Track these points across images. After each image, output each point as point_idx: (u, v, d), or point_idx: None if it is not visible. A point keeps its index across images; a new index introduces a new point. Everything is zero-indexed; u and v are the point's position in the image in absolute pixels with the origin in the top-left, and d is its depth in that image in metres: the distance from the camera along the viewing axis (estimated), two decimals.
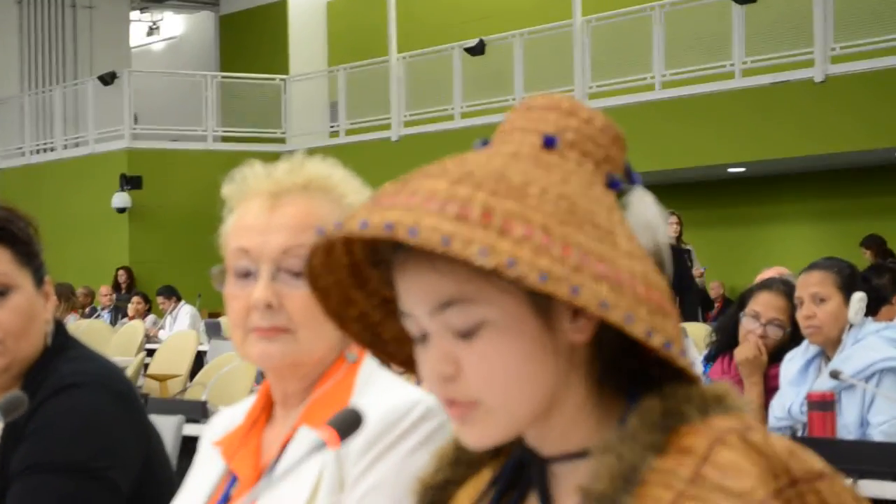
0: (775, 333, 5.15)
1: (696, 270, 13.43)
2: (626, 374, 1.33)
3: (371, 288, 1.41)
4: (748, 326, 5.20)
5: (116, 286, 19.16)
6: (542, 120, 1.36)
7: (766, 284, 5.33)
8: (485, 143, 1.39)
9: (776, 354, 5.15)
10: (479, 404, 1.30)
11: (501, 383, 1.29)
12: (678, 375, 1.31)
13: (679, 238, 13.50)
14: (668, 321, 1.27)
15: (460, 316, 1.28)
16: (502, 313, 1.28)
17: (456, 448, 1.45)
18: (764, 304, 5.19)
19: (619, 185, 1.35)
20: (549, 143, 1.34)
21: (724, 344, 5.34)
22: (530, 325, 1.29)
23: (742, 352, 5.15)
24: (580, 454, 1.33)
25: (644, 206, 1.35)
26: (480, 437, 1.32)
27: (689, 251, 13.63)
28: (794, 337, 5.10)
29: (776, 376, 5.11)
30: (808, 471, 1.26)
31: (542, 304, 1.28)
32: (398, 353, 1.45)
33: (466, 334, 1.29)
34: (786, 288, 5.21)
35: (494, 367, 1.28)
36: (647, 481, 1.26)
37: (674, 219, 13.42)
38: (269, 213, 1.98)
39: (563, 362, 1.31)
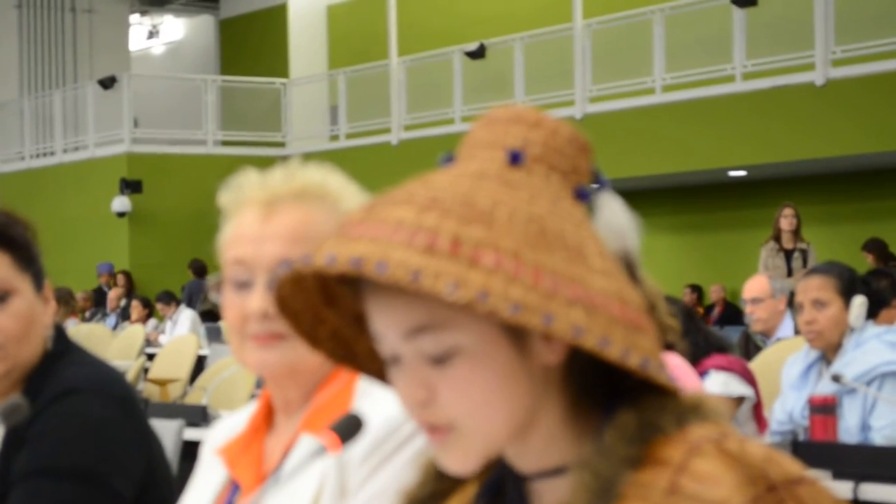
0: None
1: (802, 272, 11.86)
2: (602, 386, 1.33)
3: (342, 305, 1.41)
4: None
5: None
6: (507, 134, 1.35)
7: None
8: (449, 159, 1.37)
9: None
10: (456, 429, 1.29)
11: (476, 408, 1.28)
12: (655, 384, 1.30)
13: (796, 233, 12.44)
14: (645, 337, 1.27)
15: (432, 342, 1.27)
16: (475, 339, 1.27)
17: None
18: None
19: (587, 196, 1.34)
20: (514, 159, 1.33)
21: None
22: (503, 350, 1.28)
23: None
24: (559, 471, 1.33)
25: (612, 211, 1.34)
26: (460, 462, 1.32)
27: (804, 251, 12.39)
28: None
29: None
30: (786, 476, 1.25)
31: (515, 329, 1.27)
32: (373, 367, 1.44)
33: (439, 360, 1.28)
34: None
35: (468, 393, 1.28)
36: (624, 495, 1.26)
37: (789, 211, 12.42)
38: (264, 222, 1.97)
39: (537, 384, 1.30)
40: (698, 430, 1.28)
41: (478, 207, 1.25)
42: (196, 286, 18.11)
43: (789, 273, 12.06)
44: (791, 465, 1.27)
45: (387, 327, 1.30)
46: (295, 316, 1.40)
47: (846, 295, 4.87)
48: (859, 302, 4.84)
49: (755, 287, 6.89)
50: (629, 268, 1.34)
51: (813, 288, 4.93)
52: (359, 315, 1.39)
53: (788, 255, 12.36)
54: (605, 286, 1.26)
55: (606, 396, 1.33)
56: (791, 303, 5.73)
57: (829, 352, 4.93)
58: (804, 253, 12.36)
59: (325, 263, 1.24)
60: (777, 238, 12.43)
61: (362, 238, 1.24)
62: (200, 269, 19.34)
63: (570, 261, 1.25)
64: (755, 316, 6.80)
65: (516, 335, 1.28)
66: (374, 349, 1.41)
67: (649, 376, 1.27)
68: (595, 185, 1.36)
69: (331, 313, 1.41)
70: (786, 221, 12.40)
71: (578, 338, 1.22)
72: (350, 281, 1.36)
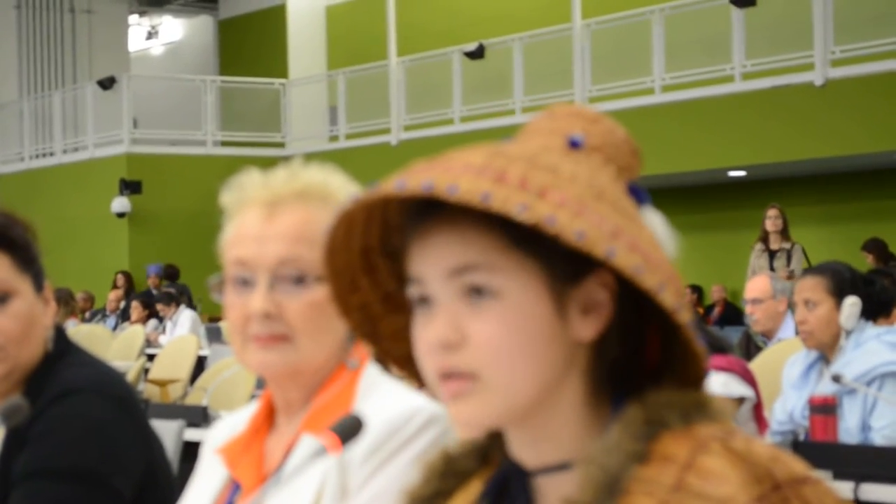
0: None
1: (783, 272, 11.79)
2: (616, 380, 1.34)
3: (378, 278, 1.41)
4: None
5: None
6: (567, 125, 1.37)
7: None
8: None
9: None
10: (477, 378, 1.29)
11: (505, 356, 1.28)
12: (663, 383, 1.32)
13: (783, 233, 12.39)
14: (687, 307, 1.29)
15: (478, 280, 1.28)
16: (519, 289, 1.28)
17: (445, 459, 1.44)
18: None
19: (639, 194, 1.37)
20: (574, 143, 1.35)
21: None
22: (543, 307, 1.29)
23: None
24: (564, 466, 1.33)
25: (653, 225, 1.36)
26: (473, 416, 1.30)
27: (787, 251, 12.34)
28: None
29: None
30: (791, 475, 1.26)
31: (559, 289, 1.29)
32: (393, 349, 1.44)
33: (480, 296, 1.28)
34: None
35: (501, 339, 1.28)
36: (630, 490, 1.26)
37: (773, 213, 12.43)
38: (266, 222, 1.98)
39: (565, 356, 1.30)
40: (705, 428, 1.29)
41: (542, 162, 1.28)
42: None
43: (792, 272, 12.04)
44: (796, 465, 1.27)
45: (432, 265, 1.30)
46: (336, 274, 1.41)
47: (838, 295, 4.88)
48: (850, 302, 4.85)
49: (756, 287, 6.89)
50: None
51: (805, 288, 4.96)
52: (389, 294, 1.41)
53: (773, 255, 12.37)
54: (659, 253, 1.29)
55: (615, 393, 1.34)
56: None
57: (825, 352, 4.94)
58: (788, 253, 12.37)
59: (395, 188, 1.26)
60: (764, 239, 12.46)
61: (431, 171, 1.26)
62: (173, 275, 19.30)
63: (629, 222, 1.28)
64: (755, 317, 6.81)
65: (558, 297, 1.29)
66: (399, 333, 1.42)
67: (690, 339, 1.29)
68: (638, 200, 1.38)
69: (366, 282, 1.42)
70: (769, 223, 12.44)
71: (638, 276, 1.24)
72: (391, 253, 1.37)
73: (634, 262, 1.24)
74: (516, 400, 1.30)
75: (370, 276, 1.41)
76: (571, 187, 1.26)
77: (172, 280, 19.16)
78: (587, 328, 1.30)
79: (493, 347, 1.28)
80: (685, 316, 1.27)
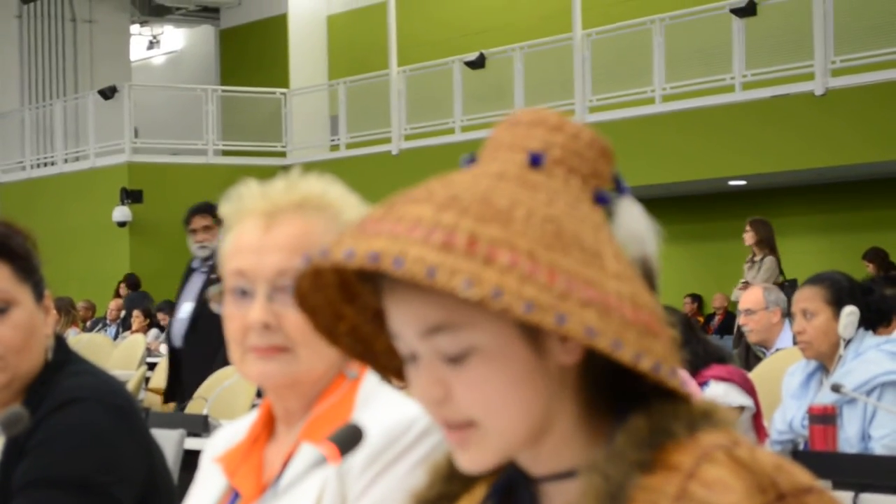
0: None
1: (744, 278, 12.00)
2: (616, 390, 1.34)
3: (361, 302, 1.41)
4: None
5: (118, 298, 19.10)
6: (529, 136, 1.36)
7: None
8: (472, 160, 1.39)
9: None
10: (474, 425, 1.30)
11: (492, 407, 1.29)
12: (668, 390, 1.31)
13: (758, 244, 12.37)
14: (658, 342, 1.28)
15: (449, 341, 1.28)
16: (491, 339, 1.28)
17: (450, 463, 1.45)
18: None
19: (606, 199, 1.35)
20: (535, 161, 1.34)
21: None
22: (519, 350, 1.29)
23: None
24: (569, 474, 1.33)
25: (632, 217, 1.35)
26: (477, 461, 1.32)
27: (759, 262, 12.36)
28: None
29: None
30: (795, 485, 1.26)
31: (531, 328, 1.28)
32: (391, 364, 1.45)
33: (455, 360, 1.29)
34: None
35: (484, 392, 1.29)
36: (633, 499, 1.26)
37: (747, 227, 12.49)
38: (264, 233, 1.98)
39: (553, 384, 1.31)
40: (709, 437, 1.29)
41: (495, 206, 1.26)
42: (135, 300, 17.78)
43: (746, 282, 12.20)
44: (801, 475, 1.27)
45: (404, 326, 1.31)
46: (313, 312, 1.41)
47: (836, 305, 4.88)
48: (848, 311, 4.84)
49: (749, 299, 6.92)
50: (648, 274, 1.35)
51: (803, 298, 4.96)
52: (378, 311, 1.40)
53: (753, 265, 12.52)
54: (620, 289, 1.27)
55: (619, 401, 1.33)
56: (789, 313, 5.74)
57: (824, 361, 4.94)
58: (759, 265, 12.51)
59: (344, 258, 1.25)
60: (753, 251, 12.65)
61: (381, 234, 1.25)
62: (135, 284, 19.22)
63: (585, 263, 1.26)
64: (748, 327, 6.83)
65: (532, 335, 1.29)
66: (393, 346, 1.41)
67: (661, 380, 1.28)
68: (617, 190, 1.37)
69: (350, 310, 1.42)
70: (744, 237, 12.60)
71: (591, 339, 1.23)
72: (370, 277, 1.36)
73: (586, 324, 1.23)
74: (513, 440, 1.31)
75: (353, 304, 1.41)
76: (523, 238, 1.24)
77: (135, 289, 19.08)
78: (568, 354, 1.30)
79: (478, 400, 1.29)
80: (647, 363, 1.25)
